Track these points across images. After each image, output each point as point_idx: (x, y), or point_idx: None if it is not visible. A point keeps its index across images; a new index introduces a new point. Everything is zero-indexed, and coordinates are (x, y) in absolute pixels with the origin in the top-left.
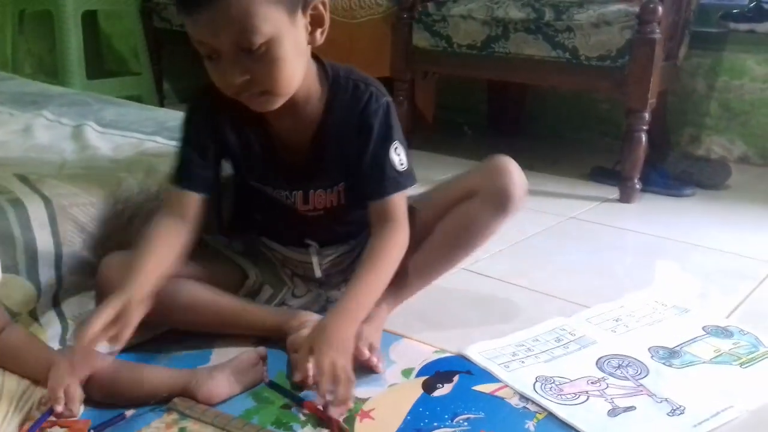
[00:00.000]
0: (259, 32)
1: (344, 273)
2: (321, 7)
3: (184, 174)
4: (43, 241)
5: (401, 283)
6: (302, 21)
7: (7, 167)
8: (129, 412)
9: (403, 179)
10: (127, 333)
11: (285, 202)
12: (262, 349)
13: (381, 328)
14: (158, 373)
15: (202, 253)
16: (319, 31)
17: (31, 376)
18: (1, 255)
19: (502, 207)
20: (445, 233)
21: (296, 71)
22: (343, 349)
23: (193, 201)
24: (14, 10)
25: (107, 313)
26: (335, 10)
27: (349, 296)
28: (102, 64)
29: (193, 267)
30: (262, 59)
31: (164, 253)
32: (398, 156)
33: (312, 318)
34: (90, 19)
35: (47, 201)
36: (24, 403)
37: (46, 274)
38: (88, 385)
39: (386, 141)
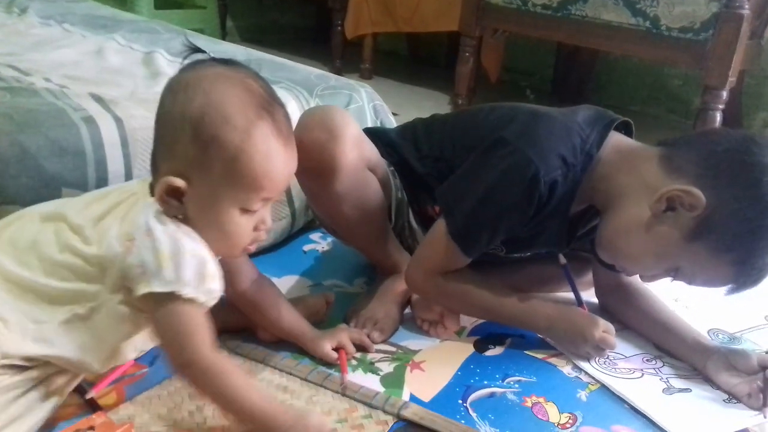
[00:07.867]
0: None
1: None
2: None
3: (478, 251)
4: (114, 160)
5: None
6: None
7: (82, 86)
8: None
9: None
10: None
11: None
12: (330, 295)
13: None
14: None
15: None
16: None
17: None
18: (72, 171)
19: None
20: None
21: None
22: None
23: None
24: None
25: None
26: None
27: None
28: None
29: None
30: None
31: None
32: None
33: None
34: None
35: (119, 122)
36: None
37: None
38: (228, 306)
39: None
